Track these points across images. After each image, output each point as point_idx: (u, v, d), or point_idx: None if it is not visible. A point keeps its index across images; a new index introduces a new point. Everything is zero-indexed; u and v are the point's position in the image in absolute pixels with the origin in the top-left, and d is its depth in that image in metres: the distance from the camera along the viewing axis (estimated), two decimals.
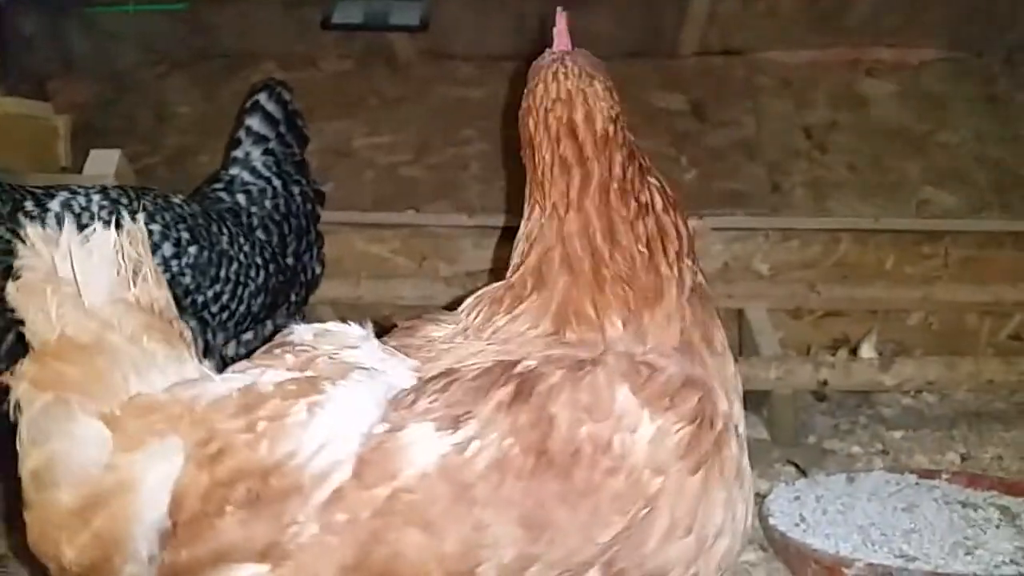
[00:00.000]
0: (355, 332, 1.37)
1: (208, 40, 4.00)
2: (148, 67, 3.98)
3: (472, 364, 1.32)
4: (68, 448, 1.26)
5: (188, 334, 1.36)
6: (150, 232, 2.00)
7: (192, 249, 2.13)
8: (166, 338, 1.33)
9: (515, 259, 1.48)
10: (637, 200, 1.43)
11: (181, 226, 2.14)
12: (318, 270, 2.60)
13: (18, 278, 1.28)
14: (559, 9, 1.52)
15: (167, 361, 1.31)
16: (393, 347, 1.40)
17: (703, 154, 3.77)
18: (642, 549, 1.25)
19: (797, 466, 2.72)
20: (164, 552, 1.24)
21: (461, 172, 3.79)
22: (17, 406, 1.27)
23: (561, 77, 1.44)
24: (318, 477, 1.21)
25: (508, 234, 1.54)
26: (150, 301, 1.33)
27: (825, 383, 2.84)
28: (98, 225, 1.26)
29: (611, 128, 1.43)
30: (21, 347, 1.26)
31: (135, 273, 1.32)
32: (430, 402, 1.25)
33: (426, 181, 3.75)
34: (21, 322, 1.28)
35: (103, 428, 1.26)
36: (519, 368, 1.28)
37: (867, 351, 3.02)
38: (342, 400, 1.26)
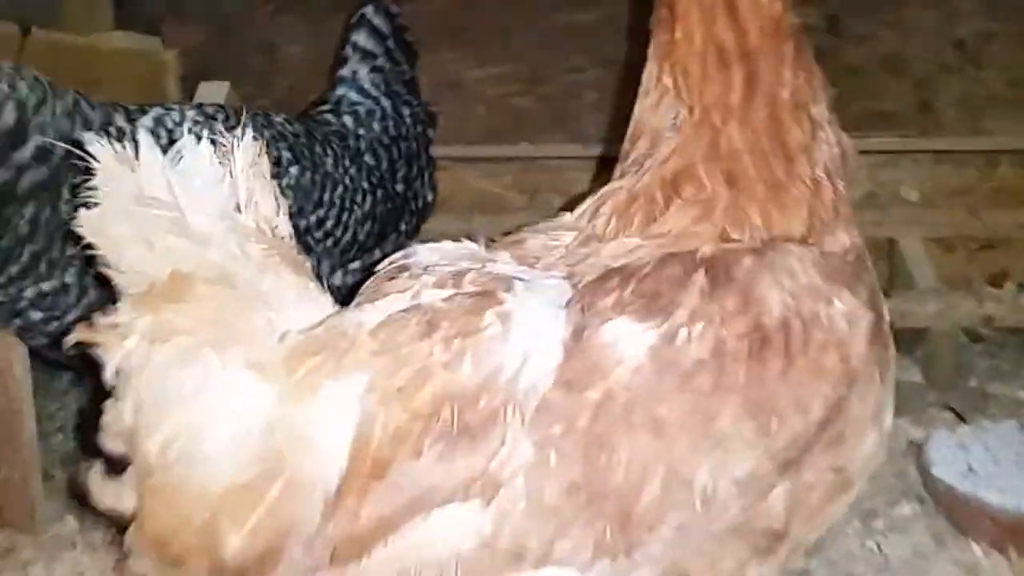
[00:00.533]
0: (475, 247, 1.21)
1: None
2: (258, 7, 3.84)
3: (638, 258, 1.15)
4: (215, 410, 1.00)
5: (309, 262, 1.14)
6: None
7: (293, 169, 1.93)
8: (294, 267, 1.11)
9: (638, 150, 1.23)
10: (811, 117, 1.17)
11: (282, 145, 1.94)
12: (430, 197, 2.38)
13: (95, 206, 1.01)
14: None
15: (300, 293, 1.09)
16: (516, 256, 1.22)
17: (843, 72, 3.38)
18: (839, 442, 1.14)
19: (955, 412, 2.38)
20: (332, 523, 1.02)
21: (575, 101, 3.52)
22: (118, 369, 0.98)
23: None
24: (527, 391, 1.05)
25: None
26: (268, 225, 1.10)
27: (991, 319, 2.46)
28: (194, 139, 1.04)
29: (779, 5, 1.17)
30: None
31: (247, 193, 1.08)
32: (616, 299, 1.09)
33: (539, 112, 3.49)
34: (94, 262, 1.02)
35: (258, 379, 1.01)
36: (701, 255, 1.13)
37: None
38: (528, 308, 1.08)
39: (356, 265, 2.08)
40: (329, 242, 2.00)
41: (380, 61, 2.27)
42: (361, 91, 2.23)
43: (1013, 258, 2.98)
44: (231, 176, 1.05)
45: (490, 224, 3.06)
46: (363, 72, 2.25)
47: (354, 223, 2.04)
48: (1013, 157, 3.04)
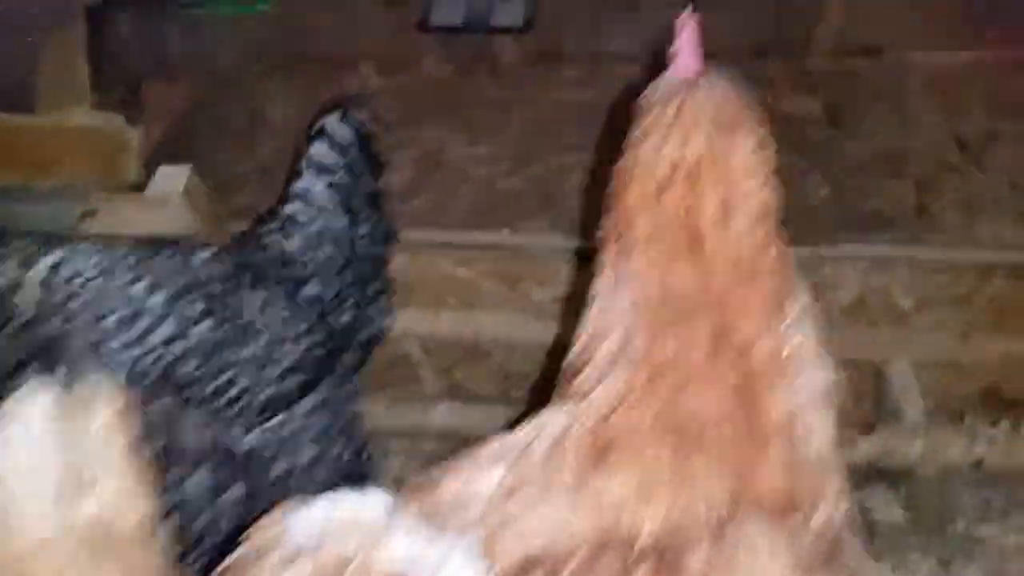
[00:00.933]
0: (374, 507, 0.92)
1: (305, 42, 3.70)
2: (244, 70, 3.70)
3: (567, 539, 0.92)
4: None
5: (167, 554, 0.91)
6: (149, 309, 1.62)
7: (204, 325, 1.68)
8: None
9: (586, 378, 1.01)
10: (794, 373, 0.95)
11: (194, 295, 1.68)
12: (382, 325, 2.11)
13: None
14: (688, 9, 1.01)
15: None
16: (426, 513, 0.97)
17: (839, 167, 3.22)
18: None
19: (940, 560, 2.18)
20: None
21: (564, 185, 3.35)
22: None
23: (688, 126, 0.92)
24: None
25: None
26: (115, 511, 0.86)
27: (981, 462, 2.26)
28: (27, 397, 0.79)
29: (760, 238, 0.94)
30: None
31: (93, 470, 0.85)
32: None
33: (525, 195, 3.32)
34: None
35: None
36: (643, 544, 0.90)
37: None
38: None
39: (279, 419, 1.79)
40: (240, 404, 1.73)
41: (339, 176, 2.01)
42: (313, 209, 1.99)
43: (1011, 379, 2.78)
44: (76, 445, 0.82)
45: (457, 318, 2.87)
46: (318, 188, 2.00)
47: (275, 379, 1.76)
48: (1011, 270, 2.83)
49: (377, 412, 2.56)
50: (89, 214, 2.42)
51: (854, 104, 3.36)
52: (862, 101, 3.37)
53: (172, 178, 2.42)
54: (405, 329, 2.77)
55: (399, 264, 2.97)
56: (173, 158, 3.41)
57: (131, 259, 1.62)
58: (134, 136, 2.62)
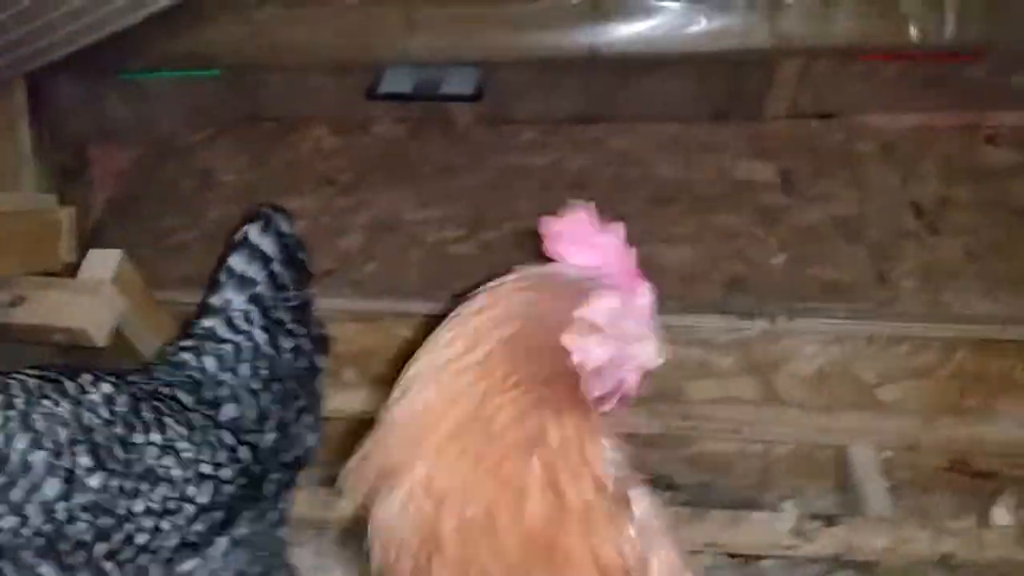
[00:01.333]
0: None
1: (257, 104, 3.52)
2: (193, 132, 3.51)
3: None
4: None
5: None
6: (31, 469, 1.37)
7: (94, 480, 1.44)
8: None
9: None
10: None
11: (81, 447, 1.44)
12: (310, 441, 1.85)
13: None
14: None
15: None
16: None
17: (794, 234, 3.08)
18: None
19: None
20: None
21: (518, 251, 3.18)
22: None
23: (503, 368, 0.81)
24: None
25: None
26: None
27: (947, 558, 2.10)
28: None
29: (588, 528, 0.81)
30: None
31: None
32: None
33: (478, 260, 3.14)
34: None
35: None
36: None
37: (1002, 516, 2.26)
38: None
39: (189, 566, 1.56)
40: (142, 559, 1.49)
41: (260, 288, 1.78)
42: (230, 325, 1.75)
43: (973, 447, 2.64)
44: None
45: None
46: (237, 301, 1.76)
47: (182, 525, 1.52)
48: (973, 343, 2.70)
49: (332, 503, 2.37)
50: (18, 301, 2.22)
51: (808, 169, 3.25)
52: (816, 166, 3.25)
53: (103, 263, 2.21)
54: (360, 402, 2.59)
55: (354, 333, 2.80)
56: (119, 224, 3.23)
57: (9, 413, 1.38)
58: (65, 217, 2.40)
